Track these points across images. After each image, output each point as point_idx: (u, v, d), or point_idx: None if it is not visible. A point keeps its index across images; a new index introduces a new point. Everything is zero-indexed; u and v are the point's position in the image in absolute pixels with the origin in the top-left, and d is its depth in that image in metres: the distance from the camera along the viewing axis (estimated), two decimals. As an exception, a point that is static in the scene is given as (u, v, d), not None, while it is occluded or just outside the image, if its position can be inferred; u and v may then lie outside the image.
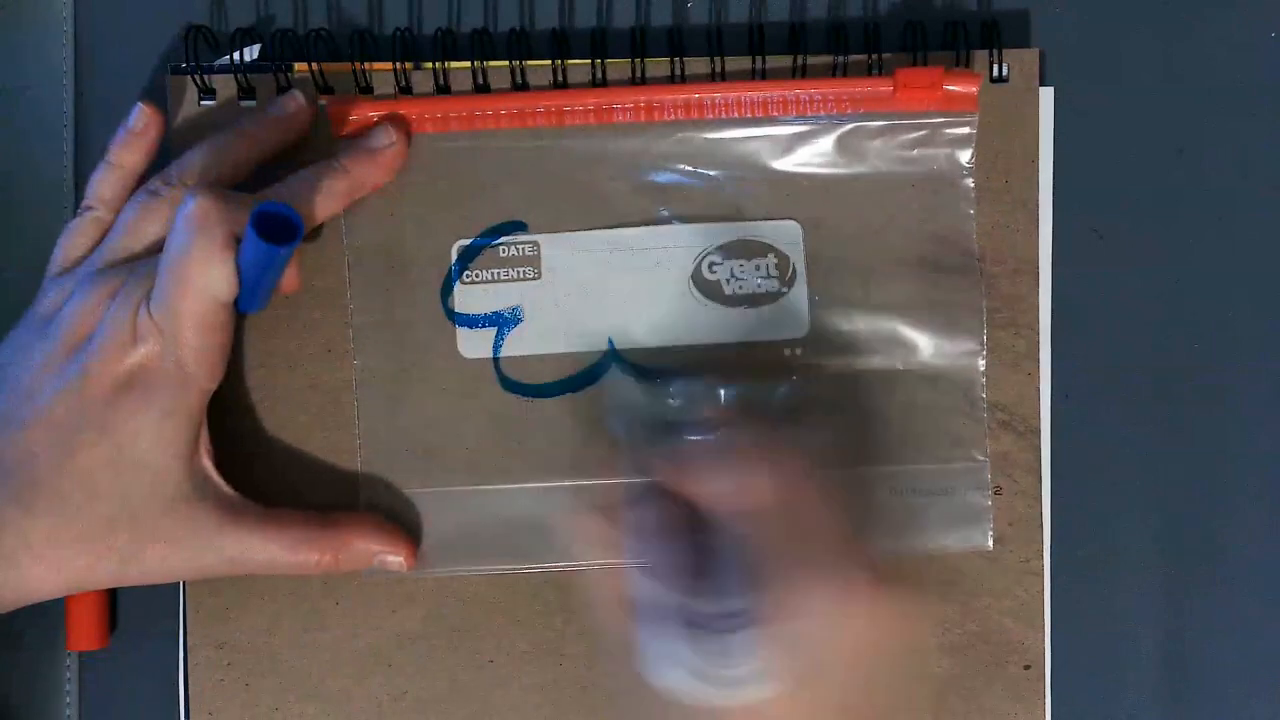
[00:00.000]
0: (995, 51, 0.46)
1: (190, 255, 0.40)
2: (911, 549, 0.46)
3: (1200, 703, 0.47)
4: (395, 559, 0.45)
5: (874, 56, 0.46)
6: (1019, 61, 0.46)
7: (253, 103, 0.46)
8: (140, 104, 0.45)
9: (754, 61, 0.46)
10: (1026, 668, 0.46)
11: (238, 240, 0.40)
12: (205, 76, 0.46)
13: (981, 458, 0.46)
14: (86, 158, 0.48)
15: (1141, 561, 0.47)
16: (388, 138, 0.45)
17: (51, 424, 0.41)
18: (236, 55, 0.46)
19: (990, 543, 0.46)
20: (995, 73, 0.46)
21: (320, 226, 0.46)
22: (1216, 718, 0.47)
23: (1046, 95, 0.46)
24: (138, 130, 0.44)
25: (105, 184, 0.44)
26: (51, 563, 0.41)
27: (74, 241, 0.44)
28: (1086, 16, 0.47)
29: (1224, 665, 0.47)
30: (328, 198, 0.44)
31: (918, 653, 0.45)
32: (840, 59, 0.46)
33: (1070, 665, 0.46)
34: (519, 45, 0.46)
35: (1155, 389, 0.47)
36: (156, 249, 0.42)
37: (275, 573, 0.44)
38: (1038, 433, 0.46)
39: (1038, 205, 0.46)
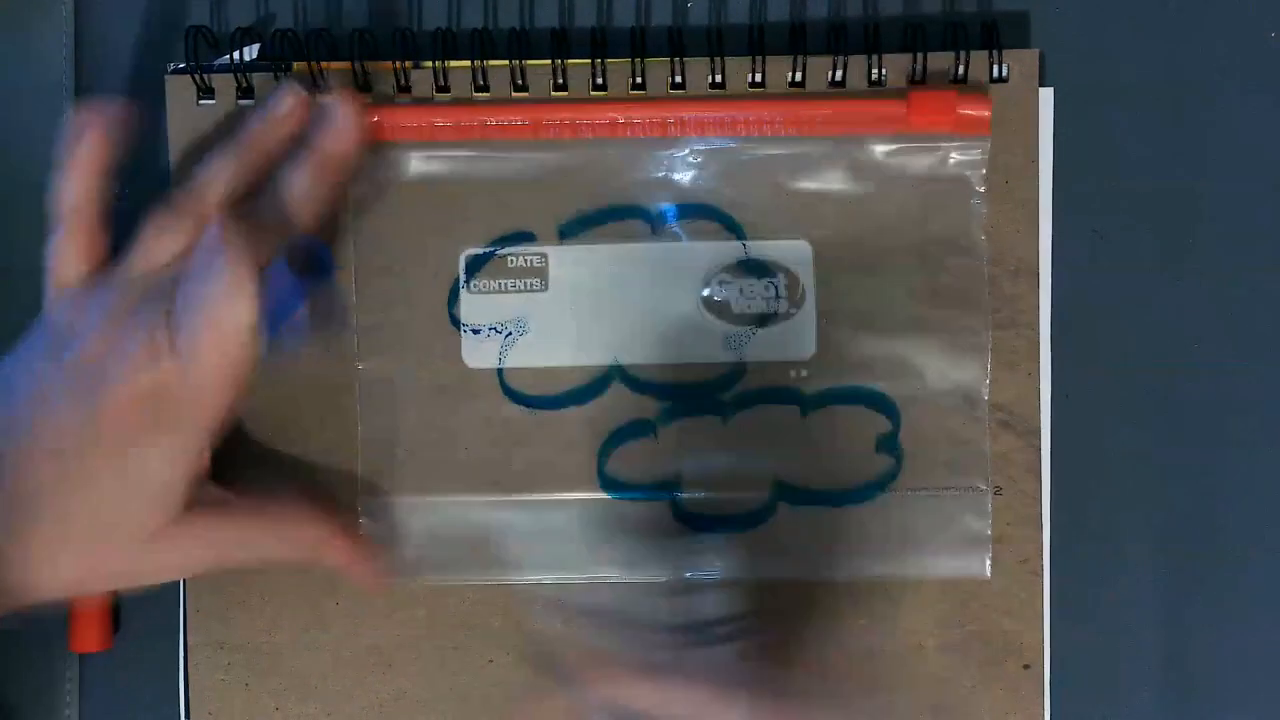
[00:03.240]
0: (995, 52, 0.46)
1: (214, 286, 0.39)
2: (909, 575, 0.46)
3: (1200, 703, 0.47)
4: (364, 574, 0.45)
5: (874, 57, 0.46)
6: (1019, 62, 0.46)
7: (251, 102, 0.46)
8: (115, 100, 0.44)
9: (754, 62, 0.46)
10: (1026, 667, 0.46)
11: (262, 271, 0.40)
12: (204, 76, 0.46)
13: (983, 486, 0.45)
14: (86, 157, 0.48)
15: (1141, 561, 0.47)
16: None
17: (60, 437, 0.40)
18: (236, 55, 0.46)
19: (988, 572, 0.45)
20: (995, 73, 0.46)
21: (324, 230, 0.46)
22: (1216, 718, 0.47)
23: (1046, 96, 0.46)
24: (107, 116, 0.43)
25: (74, 186, 0.43)
26: (50, 569, 0.41)
27: (61, 259, 0.43)
28: (1086, 17, 0.47)
29: (1224, 665, 0.47)
30: (309, 186, 0.43)
31: (917, 652, 0.46)
32: (840, 58, 0.46)
33: (1069, 665, 0.46)
34: (519, 45, 0.46)
35: (1155, 389, 0.47)
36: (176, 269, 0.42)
37: (266, 568, 0.44)
38: (1038, 433, 0.46)
39: (1038, 205, 0.46)
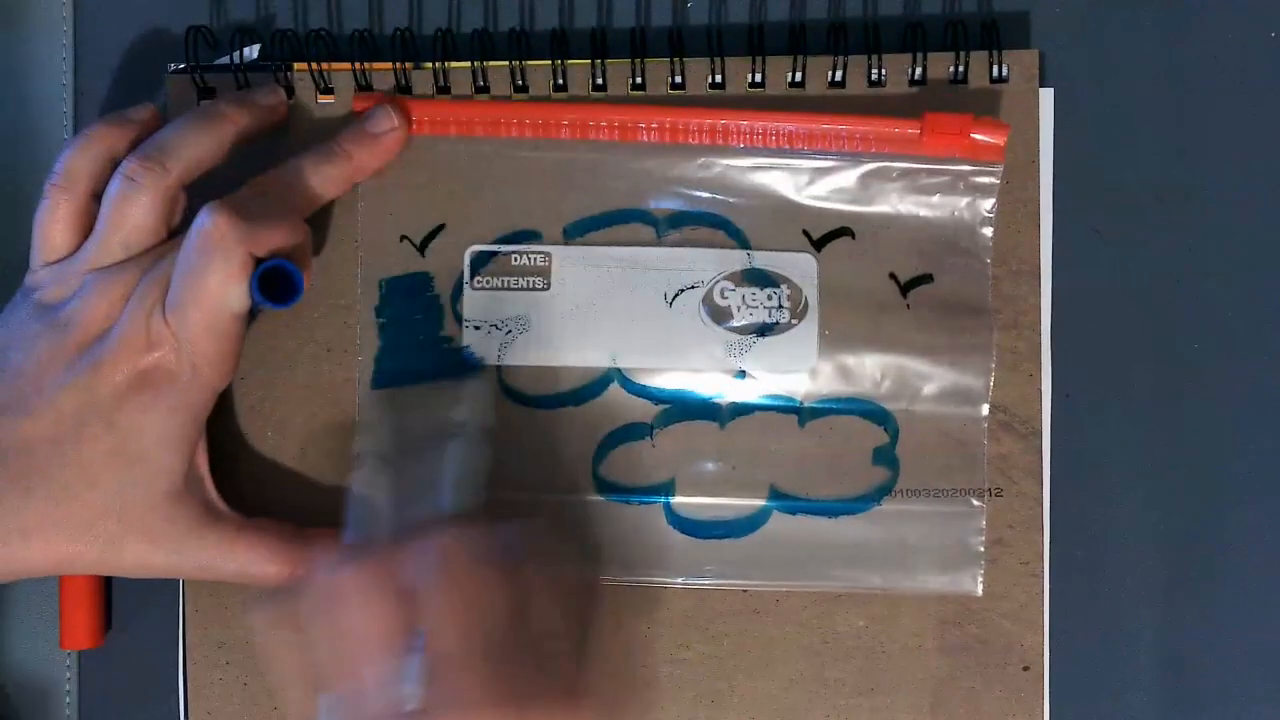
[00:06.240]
0: (995, 52, 0.45)
1: (208, 275, 0.40)
2: (899, 589, 0.45)
3: (1199, 704, 0.47)
4: None
5: (874, 57, 0.45)
6: (1019, 62, 0.46)
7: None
8: (149, 104, 0.45)
9: (753, 62, 0.46)
10: (1025, 669, 0.46)
11: (255, 260, 0.41)
12: (204, 76, 0.46)
13: (978, 503, 0.45)
14: (86, 157, 0.48)
15: (1141, 562, 0.47)
16: (389, 122, 0.45)
17: (57, 415, 0.41)
18: (236, 55, 0.46)
19: (979, 589, 0.45)
20: (995, 73, 0.46)
21: (328, 225, 0.46)
22: (1216, 719, 0.47)
23: (1046, 96, 0.46)
24: (135, 119, 0.44)
25: (79, 159, 0.43)
26: (40, 544, 0.41)
27: (52, 229, 0.43)
28: (1086, 17, 0.47)
29: (1224, 666, 0.46)
30: (328, 182, 0.44)
31: (917, 653, 0.46)
32: (840, 59, 0.45)
33: (1069, 666, 0.46)
34: (519, 45, 0.46)
35: (1155, 389, 0.47)
36: (150, 238, 0.42)
37: (244, 582, 0.44)
38: (1039, 434, 0.46)
39: (1039, 205, 0.46)
